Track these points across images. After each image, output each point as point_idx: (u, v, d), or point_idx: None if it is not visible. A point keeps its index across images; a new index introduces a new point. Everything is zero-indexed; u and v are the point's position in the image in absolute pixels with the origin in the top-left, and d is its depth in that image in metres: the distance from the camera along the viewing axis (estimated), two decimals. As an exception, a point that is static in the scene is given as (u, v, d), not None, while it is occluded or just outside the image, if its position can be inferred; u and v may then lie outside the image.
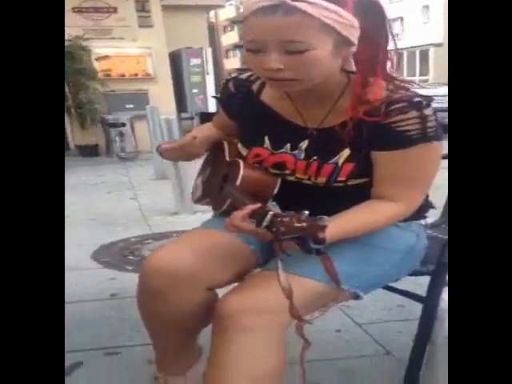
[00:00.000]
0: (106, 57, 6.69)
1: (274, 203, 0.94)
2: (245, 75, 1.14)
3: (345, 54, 0.95)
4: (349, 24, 0.89)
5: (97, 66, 6.61)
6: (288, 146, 1.06)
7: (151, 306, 1.13)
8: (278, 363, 0.99)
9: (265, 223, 0.84)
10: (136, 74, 6.91)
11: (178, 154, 1.30)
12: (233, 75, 1.19)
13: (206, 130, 1.28)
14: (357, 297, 1.08)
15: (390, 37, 0.98)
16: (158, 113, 4.56)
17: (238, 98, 1.14)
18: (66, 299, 1.96)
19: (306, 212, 0.84)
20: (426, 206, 1.21)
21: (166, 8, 7.49)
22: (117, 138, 6.18)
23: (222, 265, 1.12)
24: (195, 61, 7.60)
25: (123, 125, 6.30)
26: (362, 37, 0.92)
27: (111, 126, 6.30)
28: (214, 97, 1.23)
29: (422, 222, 1.22)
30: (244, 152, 1.11)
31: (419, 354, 1.20)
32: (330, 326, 1.71)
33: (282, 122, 1.08)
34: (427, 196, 1.23)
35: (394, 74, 1.01)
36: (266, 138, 1.08)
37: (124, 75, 6.85)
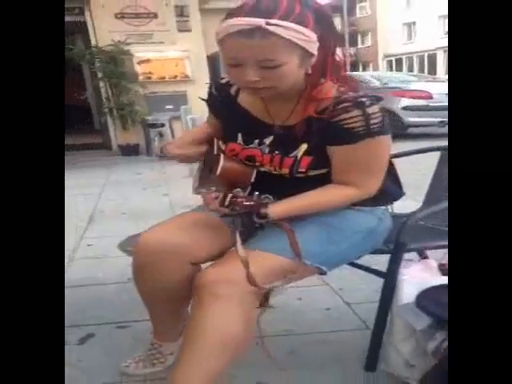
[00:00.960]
0: (147, 60, 6.96)
1: (239, 189, 1.10)
2: (224, 80, 1.28)
3: (308, 65, 1.07)
4: (311, 40, 1.03)
5: (138, 69, 6.88)
6: (256, 141, 1.21)
7: (143, 279, 1.31)
8: (245, 331, 1.11)
9: (226, 203, 1.05)
10: (175, 77, 7.11)
11: (182, 159, 1.44)
12: (216, 80, 1.34)
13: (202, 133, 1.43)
14: (321, 272, 1.21)
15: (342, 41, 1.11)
16: (190, 113, 4.79)
17: (219, 100, 1.29)
18: (90, 282, 2.22)
19: (257, 193, 1.04)
20: (395, 193, 1.33)
21: (204, 11, 7.72)
22: (156, 138, 6.45)
23: (204, 242, 1.28)
24: (232, 63, 7.78)
25: (162, 125, 6.53)
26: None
27: (151, 127, 6.55)
28: (201, 98, 1.39)
29: (389, 207, 1.34)
30: (223, 147, 1.26)
31: (381, 321, 1.32)
32: (321, 305, 1.86)
33: (253, 120, 1.22)
34: (399, 185, 1.35)
35: (346, 75, 1.13)
36: (239, 135, 1.23)
37: (164, 78, 7.08)
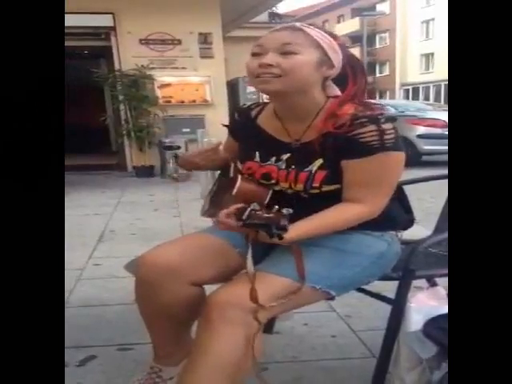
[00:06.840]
0: (167, 85, 7.07)
1: (255, 204, 1.09)
2: (246, 105, 1.36)
3: (325, 73, 1.15)
4: (333, 48, 1.15)
5: (159, 93, 6.97)
6: (273, 158, 1.23)
7: (143, 297, 1.30)
8: (247, 357, 1.07)
9: (244, 217, 1.03)
10: (194, 101, 7.20)
11: (197, 159, 1.40)
12: (238, 107, 1.41)
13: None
14: (329, 297, 1.20)
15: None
16: (206, 136, 4.82)
17: (240, 123, 1.34)
18: (94, 302, 2.19)
19: (276, 206, 1.03)
20: (406, 220, 1.31)
21: (227, 39, 7.85)
22: (171, 160, 6.48)
23: (207, 263, 1.27)
24: (251, 88, 7.88)
25: (178, 147, 6.55)
26: (347, 78, 1.18)
27: (167, 149, 6.56)
28: (223, 124, 1.43)
29: (399, 234, 1.31)
30: (240, 166, 1.28)
31: (388, 349, 1.28)
32: (327, 332, 1.83)
33: (270, 139, 1.26)
34: (411, 212, 1.33)
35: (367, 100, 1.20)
36: (257, 153, 1.26)
37: (183, 102, 7.16)
